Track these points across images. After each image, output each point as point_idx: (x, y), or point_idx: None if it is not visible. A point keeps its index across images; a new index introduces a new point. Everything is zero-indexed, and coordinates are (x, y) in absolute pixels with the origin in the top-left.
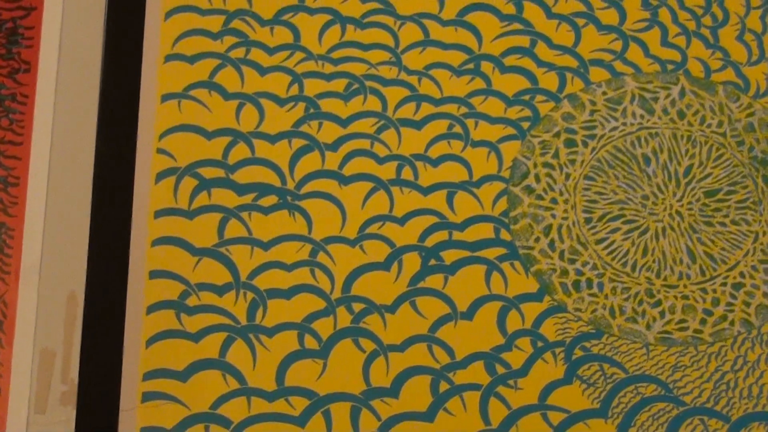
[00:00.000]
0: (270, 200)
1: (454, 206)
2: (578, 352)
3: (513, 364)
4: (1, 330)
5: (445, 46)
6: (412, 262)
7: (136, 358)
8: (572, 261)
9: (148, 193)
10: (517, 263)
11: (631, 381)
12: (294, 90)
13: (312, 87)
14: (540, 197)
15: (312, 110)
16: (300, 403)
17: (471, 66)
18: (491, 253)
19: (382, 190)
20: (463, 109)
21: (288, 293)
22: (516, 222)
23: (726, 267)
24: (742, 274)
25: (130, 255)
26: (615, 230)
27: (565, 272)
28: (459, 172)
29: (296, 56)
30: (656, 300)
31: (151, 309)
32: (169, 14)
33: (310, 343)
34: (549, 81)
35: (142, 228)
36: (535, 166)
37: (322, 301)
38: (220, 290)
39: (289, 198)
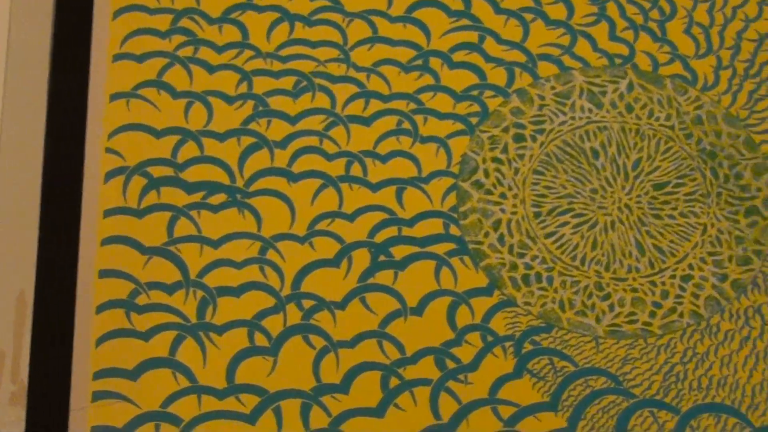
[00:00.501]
0: (219, 198)
1: (403, 202)
2: (528, 346)
3: (463, 358)
4: None
5: (393, 43)
6: (361, 259)
7: (86, 358)
8: (522, 255)
9: (97, 192)
10: (466, 258)
11: (581, 374)
12: (243, 88)
13: (260, 85)
14: (489, 192)
15: (261, 108)
16: (250, 401)
17: (419, 62)
18: (441, 248)
19: (331, 187)
20: (412, 105)
21: (238, 291)
22: (465, 217)
23: (675, 259)
24: (690, 267)
25: (79, 254)
26: (564, 224)
27: (514, 266)
28: (408, 168)
29: (245, 54)
30: (605, 293)
31: (101, 308)
32: (117, 13)
33: (260, 340)
34: (497, 76)
35: (92, 227)
36: (484, 161)
37: (271, 299)
38: (169, 289)
39: (238, 196)
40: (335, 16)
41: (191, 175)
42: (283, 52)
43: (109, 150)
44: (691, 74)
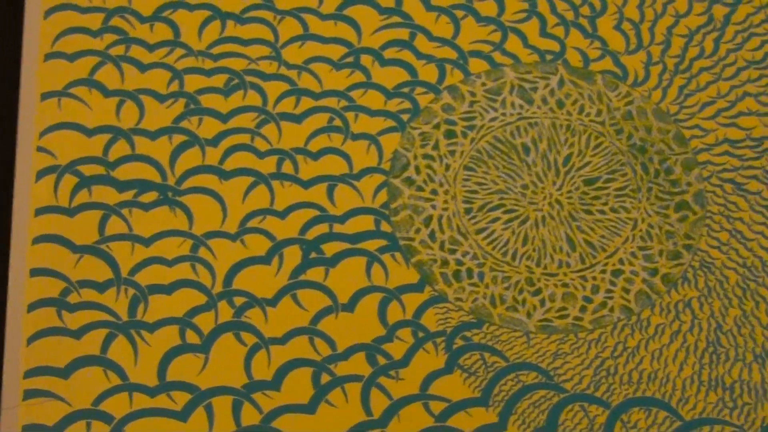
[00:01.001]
0: (150, 196)
1: (334, 199)
2: (459, 342)
3: (394, 354)
4: None
5: (324, 40)
6: (293, 256)
7: (17, 356)
8: (453, 251)
9: (28, 191)
10: (397, 254)
11: (512, 369)
12: (174, 86)
13: (192, 83)
14: (420, 188)
15: (192, 106)
16: (182, 398)
17: (351, 59)
18: (372, 245)
19: (262, 185)
20: (343, 103)
21: (169, 288)
22: (396, 213)
23: (605, 254)
24: (621, 261)
25: (10, 253)
26: (495, 220)
27: (445, 262)
28: (339, 165)
29: (176, 53)
30: (536, 288)
31: (32, 307)
32: (48, 12)
33: (192, 337)
34: (428, 73)
35: (23, 226)
36: (415, 157)
37: (203, 296)
38: (101, 287)
39: (169, 194)
40: (266, 14)
41: (122, 173)
42: (215, 50)
43: (40, 149)
44: (622, 70)
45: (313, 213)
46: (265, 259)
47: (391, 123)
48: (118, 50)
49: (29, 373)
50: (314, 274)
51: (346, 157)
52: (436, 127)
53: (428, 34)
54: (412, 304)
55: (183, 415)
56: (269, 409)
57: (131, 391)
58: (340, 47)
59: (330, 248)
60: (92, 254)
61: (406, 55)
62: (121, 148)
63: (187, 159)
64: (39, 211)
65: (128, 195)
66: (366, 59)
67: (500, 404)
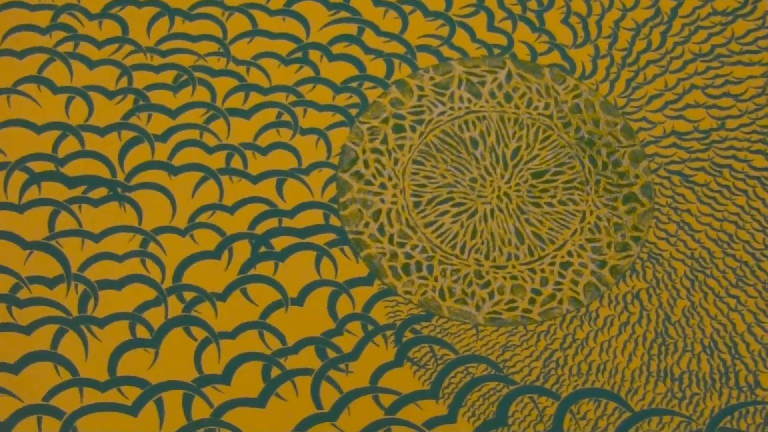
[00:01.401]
0: (100, 192)
1: (283, 194)
2: (409, 335)
3: (344, 348)
4: None
5: (273, 36)
6: (242, 250)
7: None
8: (402, 245)
9: None
10: (347, 248)
11: (462, 362)
12: (123, 83)
13: (141, 79)
14: (369, 182)
15: (141, 102)
16: (132, 392)
17: (299, 55)
18: (321, 239)
19: (211, 180)
20: (292, 98)
21: (119, 284)
22: (345, 208)
23: (554, 247)
24: (570, 254)
25: None
26: (444, 213)
27: (394, 256)
28: (288, 160)
29: (125, 49)
30: (485, 281)
31: None
32: None
33: (142, 332)
34: (377, 68)
35: None
36: (364, 152)
37: (153, 291)
38: (51, 283)
39: (119, 190)
40: (215, 10)
41: (72, 169)
42: (163, 47)
43: None
44: (570, 63)
45: (262, 208)
46: (214, 254)
47: (339, 118)
48: (66, 47)
49: None
50: (264, 268)
51: (295, 152)
52: (385, 121)
53: (376, 29)
54: (361, 298)
55: (134, 410)
56: (220, 403)
57: (82, 386)
58: (289, 43)
59: (279, 243)
60: (42, 250)
61: (355, 50)
62: (70, 145)
63: (136, 155)
64: None
65: (78, 191)
66: (314, 54)
67: (450, 397)
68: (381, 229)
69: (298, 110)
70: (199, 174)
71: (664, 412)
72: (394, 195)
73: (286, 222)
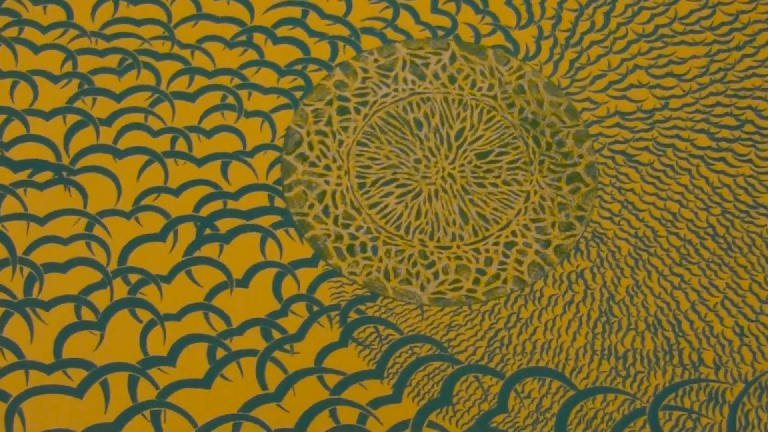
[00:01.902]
0: (45, 176)
1: (228, 176)
2: (353, 315)
3: (289, 329)
4: None
5: (217, 20)
6: (187, 232)
7: None
8: (346, 226)
9: None
10: (291, 230)
11: (407, 342)
12: (68, 67)
13: (86, 63)
14: (314, 164)
15: (86, 86)
16: (78, 375)
17: (243, 38)
18: (266, 220)
19: (156, 163)
20: (237, 81)
21: (64, 267)
22: (290, 189)
23: (498, 227)
24: (514, 233)
25: None
26: (388, 194)
27: (339, 237)
28: (233, 143)
29: (69, 33)
30: (430, 261)
31: None
32: None
33: (87, 315)
34: (321, 50)
35: None
36: (309, 134)
37: (98, 274)
38: None
39: (64, 173)
40: None
41: (17, 153)
42: (108, 31)
43: None
44: (513, 45)
45: (207, 190)
46: (159, 237)
47: (284, 100)
48: (11, 32)
49: None
50: (209, 250)
51: (240, 134)
52: (329, 103)
53: (320, 12)
54: (306, 279)
55: (79, 392)
56: (165, 384)
57: (27, 368)
58: (233, 26)
59: (224, 224)
60: None
61: (299, 33)
62: (15, 129)
63: (81, 138)
64: None
65: (23, 175)
66: (259, 38)
67: (395, 376)
68: (326, 211)
69: (243, 93)
70: (144, 157)
71: (608, 390)
72: (339, 176)
73: (231, 204)
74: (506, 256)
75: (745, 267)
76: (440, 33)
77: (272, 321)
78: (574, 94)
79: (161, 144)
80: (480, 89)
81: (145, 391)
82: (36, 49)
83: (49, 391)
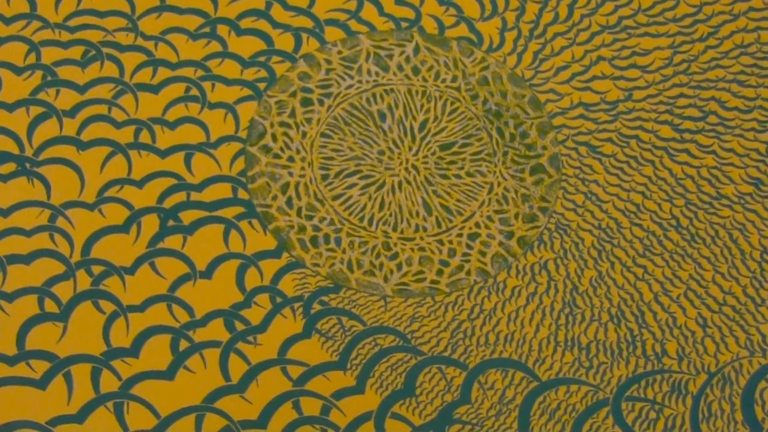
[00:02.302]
0: (8, 168)
1: (192, 168)
2: (317, 307)
3: (252, 320)
4: None
5: (181, 11)
6: (150, 224)
7: None
8: (310, 217)
9: None
10: (255, 221)
11: (370, 333)
12: (31, 59)
13: (49, 55)
14: (277, 156)
15: (49, 78)
16: (41, 366)
17: (207, 30)
18: (229, 212)
19: (120, 154)
20: (200, 72)
21: (27, 258)
22: (253, 181)
23: (462, 218)
24: (477, 225)
25: None
26: (352, 186)
27: (303, 229)
28: (196, 134)
29: (33, 25)
30: (393, 253)
31: None
32: None
33: (50, 306)
34: (285, 42)
35: None
36: (272, 125)
37: (61, 266)
38: None
39: (27, 165)
40: None
41: None
42: (72, 23)
43: None
44: (477, 36)
45: (170, 182)
46: (123, 228)
47: (247, 92)
48: None
49: None
50: (172, 242)
51: (203, 126)
52: (293, 95)
53: (284, 3)
54: (269, 270)
55: (42, 383)
56: (128, 376)
57: None
58: (197, 18)
59: (188, 216)
60: None
61: (263, 25)
62: None
63: (44, 130)
64: None
65: None
66: (222, 29)
67: (358, 368)
68: (289, 202)
69: (207, 85)
70: (107, 149)
71: (571, 381)
72: (302, 168)
73: (195, 196)
74: (470, 247)
75: (708, 258)
76: (404, 25)
77: (235, 312)
78: (537, 86)
79: (125, 136)
80: (444, 81)
81: (108, 383)
82: None
83: (12, 383)
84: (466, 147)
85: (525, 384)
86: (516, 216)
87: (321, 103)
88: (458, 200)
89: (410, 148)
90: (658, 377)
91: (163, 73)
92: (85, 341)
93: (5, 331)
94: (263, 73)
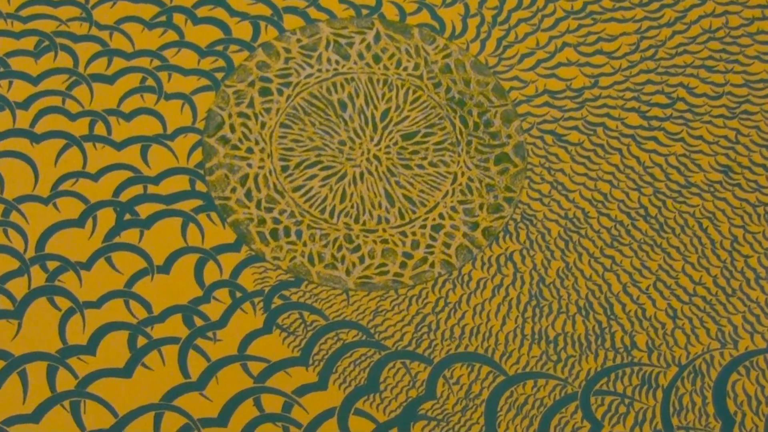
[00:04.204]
0: None
1: (148, 160)
2: (278, 301)
3: (212, 316)
4: None
5: (136, 0)
6: (106, 218)
7: None
8: (269, 210)
9: None
10: (213, 214)
11: (332, 328)
12: None
13: (1, 46)
14: (236, 147)
15: (2, 69)
16: None
17: (163, 18)
18: (187, 205)
19: (75, 147)
20: (156, 62)
21: None
22: (211, 173)
23: (425, 209)
24: (441, 216)
25: None
26: (312, 177)
27: (262, 221)
28: (153, 126)
29: None
30: (355, 245)
31: None
32: None
33: (4, 303)
34: (243, 30)
35: None
36: (230, 116)
37: (15, 261)
38: None
39: None
40: None
41: None
42: (24, 12)
43: None
44: (439, 23)
45: (126, 174)
46: (78, 222)
47: (205, 82)
48: None
49: None
50: (129, 236)
51: (160, 117)
52: (251, 84)
53: None
54: (229, 264)
55: None
56: (85, 374)
57: None
58: (153, 6)
59: (144, 209)
60: None
61: (220, 13)
62: None
63: None
64: None
65: None
66: (179, 18)
67: (320, 363)
68: (248, 194)
69: (163, 75)
70: (62, 141)
71: (538, 375)
72: (262, 159)
73: (152, 189)
74: (434, 239)
75: (677, 248)
76: (364, 12)
77: (194, 308)
78: (501, 73)
79: (79, 128)
80: (405, 69)
81: (65, 381)
82: None
83: None
84: (429, 136)
85: (491, 378)
86: (481, 206)
87: (280, 92)
88: (421, 191)
89: (372, 138)
90: (628, 370)
91: (119, 63)
92: (41, 339)
93: None
94: (221, 63)
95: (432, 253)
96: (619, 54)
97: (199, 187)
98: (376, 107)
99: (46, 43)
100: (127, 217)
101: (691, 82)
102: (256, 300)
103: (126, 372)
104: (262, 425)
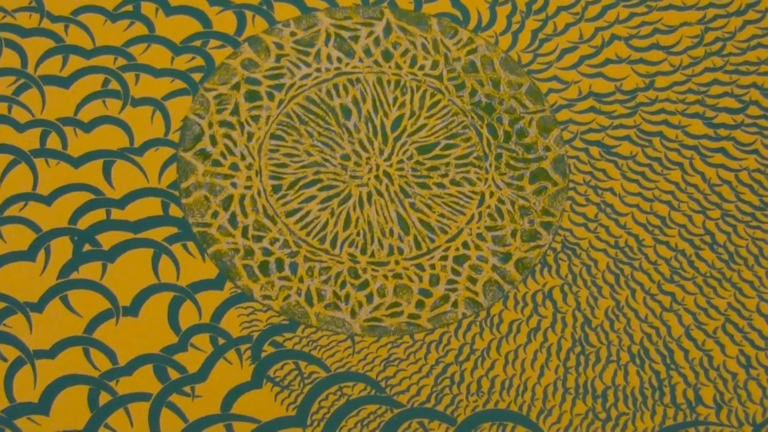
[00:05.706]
0: None
1: (112, 179)
2: (269, 349)
3: (189, 367)
4: None
5: None
6: (62, 249)
7: None
8: (258, 239)
9: None
10: (190, 244)
11: (334, 380)
12: None
13: None
14: (217, 163)
15: None
16: None
17: (129, 8)
18: (159, 233)
19: (23, 163)
20: (121, 61)
21: None
22: (189, 195)
23: (446, 237)
24: (465, 245)
25: None
26: (310, 199)
27: (250, 252)
28: (118, 138)
29: None
30: (362, 281)
31: None
32: None
33: None
34: (225, 22)
35: None
36: (211, 125)
37: None
38: None
39: None
40: None
41: None
42: None
43: None
44: (462, 12)
45: (86, 197)
46: (28, 255)
47: (180, 84)
48: None
49: None
50: (89, 271)
51: (126, 127)
52: (236, 87)
53: None
54: (209, 305)
55: None
56: None
57: None
58: None
59: (108, 239)
60: None
61: (198, 2)
62: None
63: None
64: None
65: None
66: (148, 8)
67: (321, 423)
68: (233, 220)
69: (129, 76)
70: (8, 157)
71: None
72: (249, 178)
73: (116, 214)
74: (456, 273)
75: (751, 282)
76: None
77: (168, 357)
78: (537, 72)
79: (29, 140)
80: (422, 68)
81: None
82: None
83: None
84: (450, 149)
85: None
86: (513, 234)
87: (270, 97)
88: (441, 215)
89: (381, 152)
90: (692, 430)
91: (76, 62)
92: None
93: None
94: (199, 61)
95: (455, 290)
96: (680, 49)
97: (174, 211)
98: (386, 114)
99: None
100: (87, 248)
101: (766, 83)
102: (242, 347)
103: None
104: None
